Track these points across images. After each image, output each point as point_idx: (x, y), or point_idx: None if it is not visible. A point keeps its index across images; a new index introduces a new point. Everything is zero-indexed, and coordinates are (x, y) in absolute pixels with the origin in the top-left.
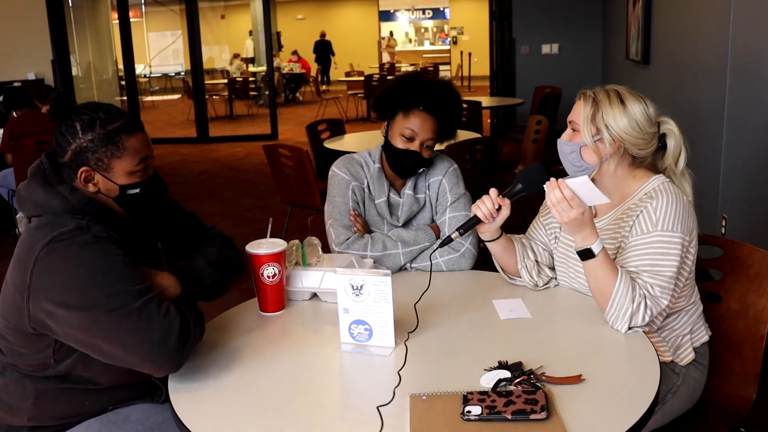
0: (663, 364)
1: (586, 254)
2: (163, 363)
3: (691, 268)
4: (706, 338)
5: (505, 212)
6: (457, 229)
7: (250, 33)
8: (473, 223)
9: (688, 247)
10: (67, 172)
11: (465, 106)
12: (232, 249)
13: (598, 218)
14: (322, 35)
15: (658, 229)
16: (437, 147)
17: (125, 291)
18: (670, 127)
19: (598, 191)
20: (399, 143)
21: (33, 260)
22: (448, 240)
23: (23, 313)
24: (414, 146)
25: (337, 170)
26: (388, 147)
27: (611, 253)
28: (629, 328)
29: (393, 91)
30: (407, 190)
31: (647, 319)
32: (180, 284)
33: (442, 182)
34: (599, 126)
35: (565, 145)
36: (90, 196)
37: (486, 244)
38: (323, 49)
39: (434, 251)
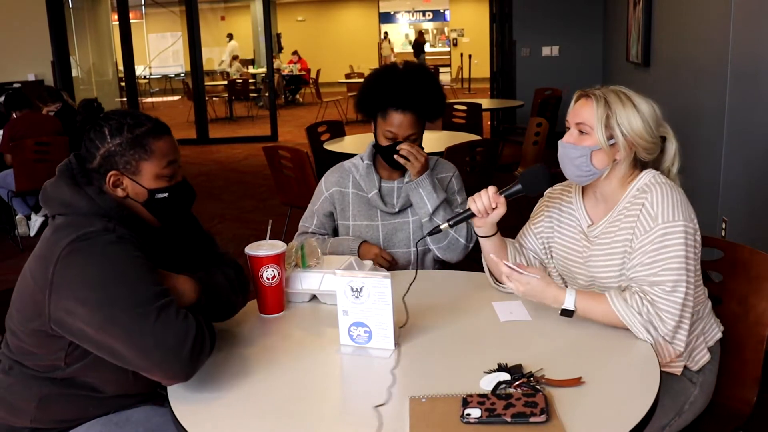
0: (680, 376)
1: (568, 313)
2: (175, 372)
3: (698, 258)
4: (719, 335)
5: (501, 210)
6: (448, 221)
7: (230, 36)
8: (466, 216)
9: (694, 235)
10: (96, 177)
11: (465, 108)
12: (244, 275)
13: (594, 226)
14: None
15: (659, 222)
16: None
17: (145, 291)
18: (667, 130)
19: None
20: (384, 142)
21: (56, 258)
22: (437, 230)
23: (43, 311)
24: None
25: (322, 180)
26: (377, 146)
27: (620, 257)
28: (670, 331)
29: (366, 94)
30: (407, 179)
31: (673, 309)
32: (197, 291)
33: (452, 181)
34: (613, 129)
35: (571, 149)
36: (118, 200)
37: (480, 239)
38: None
39: (421, 238)
